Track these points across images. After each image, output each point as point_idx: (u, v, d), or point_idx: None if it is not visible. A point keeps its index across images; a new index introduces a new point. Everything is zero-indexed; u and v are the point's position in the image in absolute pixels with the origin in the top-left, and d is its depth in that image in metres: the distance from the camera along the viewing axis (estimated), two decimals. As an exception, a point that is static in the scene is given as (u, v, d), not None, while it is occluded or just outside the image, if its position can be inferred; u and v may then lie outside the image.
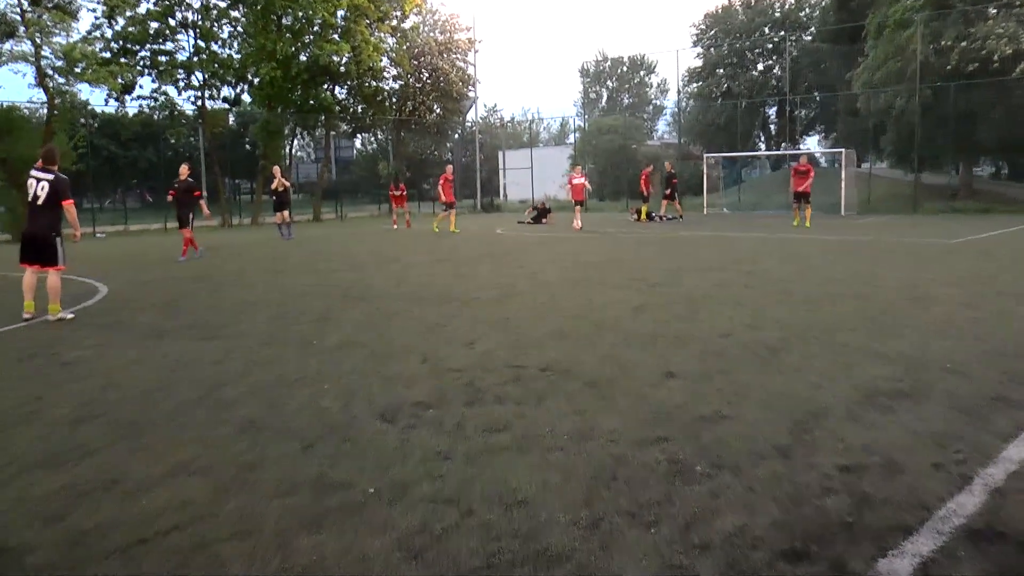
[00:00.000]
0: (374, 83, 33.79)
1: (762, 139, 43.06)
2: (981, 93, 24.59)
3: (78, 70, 23.78)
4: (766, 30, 40.73)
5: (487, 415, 4.17)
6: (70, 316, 7.87)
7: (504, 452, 3.61)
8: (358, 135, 46.62)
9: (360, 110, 35.30)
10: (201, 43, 29.03)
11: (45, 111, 24.83)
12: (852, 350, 5.52)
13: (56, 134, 22.88)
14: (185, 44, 29.06)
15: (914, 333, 6.10)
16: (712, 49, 41.54)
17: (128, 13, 26.87)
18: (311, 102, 31.30)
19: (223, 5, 29.33)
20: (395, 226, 24.62)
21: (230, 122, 38.64)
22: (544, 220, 24.52)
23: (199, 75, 29.34)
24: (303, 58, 29.88)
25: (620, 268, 11.52)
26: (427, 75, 37.21)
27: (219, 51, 29.84)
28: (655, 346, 5.86)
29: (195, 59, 28.85)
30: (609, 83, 62.95)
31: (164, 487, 3.28)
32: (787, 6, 40.97)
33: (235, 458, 3.62)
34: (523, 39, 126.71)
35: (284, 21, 29.45)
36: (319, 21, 29.24)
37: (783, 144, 38.35)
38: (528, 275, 10.71)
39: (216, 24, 29.61)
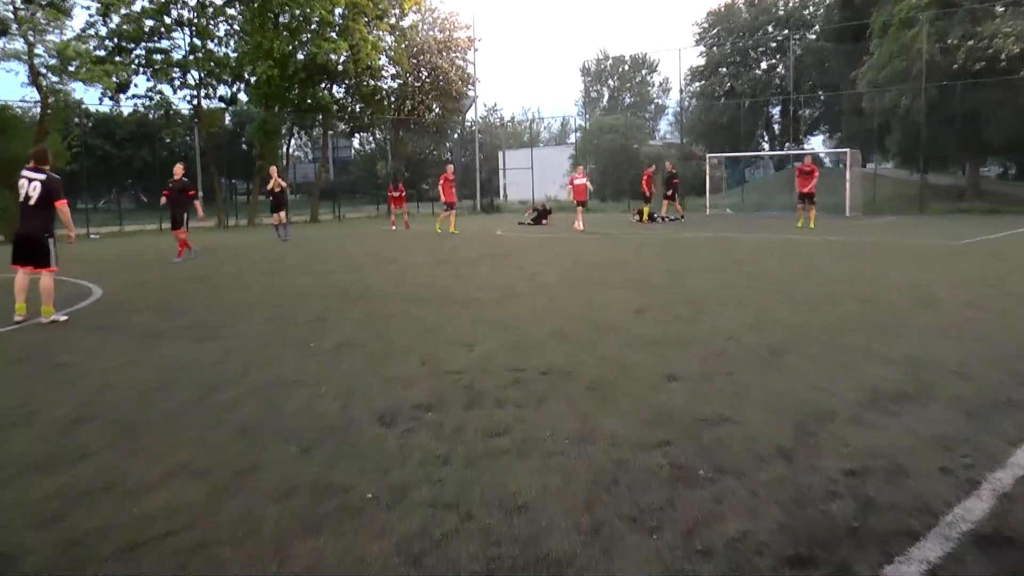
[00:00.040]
0: (372, 82, 33.80)
1: (766, 139, 43.11)
2: (988, 92, 24.59)
3: (72, 68, 23.78)
4: (770, 28, 40.76)
5: (487, 418, 4.18)
6: (63, 318, 7.86)
7: (504, 456, 3.61)
8: (356, 135, 46.61)
9: (358, 109, 35.30)
10: (197, 41, 29.02)
11: (38, 110, 24.84)
12: (856, 352, 5.52)
13: (49, 133, 22.88)
14: (181, 42, 29.08)
15: (919, 335, 6.10)
16: (715, 47, 41.58)
17: (123, 11, 26.85)
18: (308, 101, 31.30)
19: (219, 3, 29.32)
20: (394, 227, 24.64)
21: (226, 121, 38.64)
22: (545, 221, 24.53)
23: (195, 74, 29.34)
24: (300, 56, 29.89)
25: (621, 269, 11.53)
26: (426, 74, 37.23)
27: (215, 49, 29.84)
28: (656, 348, 5.87)
29: (191, 57, 28.85)
30: (610, 82, 63.02)
31: (161, 489, 3.29)
32: (791, 4, 41.01)
33: (233, 461, 3.63)
34: (523, 37, 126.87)
35: (281, 19, 29.45)
36: (317, 19, 29.24)
37: (787, 144, 38.35)
38: (528, 276, 10.72)
39: (212, 22, 29.61)
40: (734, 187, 34.59)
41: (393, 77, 36.06)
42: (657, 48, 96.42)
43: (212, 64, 29.37)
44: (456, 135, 46.84)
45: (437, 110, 38.98)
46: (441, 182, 20.90)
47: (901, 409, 4.15)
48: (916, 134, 26.53)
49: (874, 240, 15.51)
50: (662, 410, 4.24)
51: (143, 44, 28.03)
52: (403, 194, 25.48)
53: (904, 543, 2.66)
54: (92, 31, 26.50)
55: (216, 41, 29.91)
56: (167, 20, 28.29)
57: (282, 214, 19.84)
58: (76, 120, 28.34)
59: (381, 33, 32.75)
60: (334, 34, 30.09)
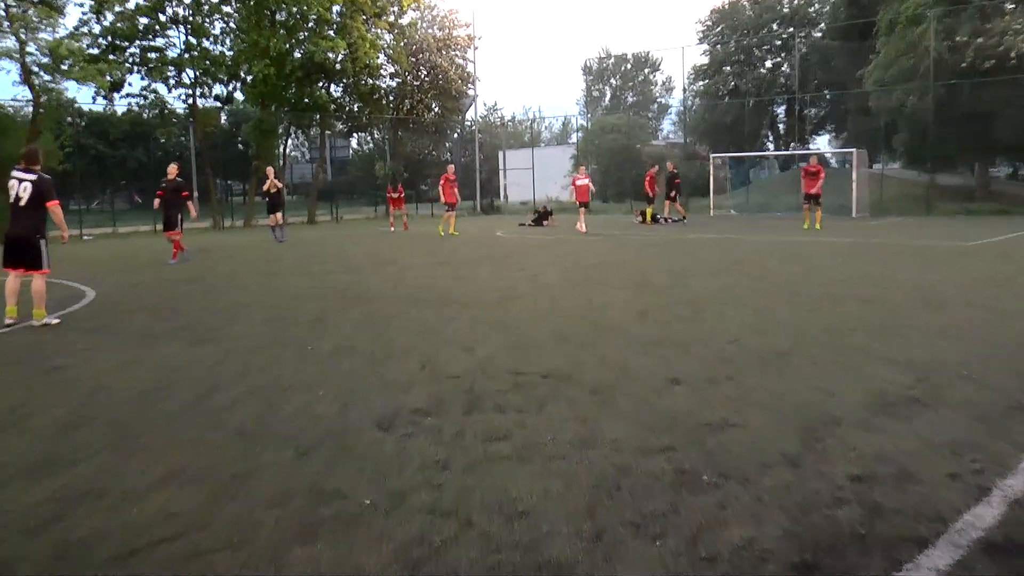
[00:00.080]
0: (371, 81, 33.84)
1: (770, 139, 43.08)
2: (997, 91, 24.55)
3: (65, 67, 23.82)
4: (774, 26, 40.76)
5: (487, 423, 4.17)
6: (55, 321, 7.86)
7: (504, 461, 3.61)
8: (354, 134, 46.71)
9: (356, 109, 35.35)
10: (192, 39, 29.06)
11: (30, 109, 24.87)
12: (863, 355, 5.52)
13: (42, 133, 22.93)
14: (176, 40, 29.13)
15: (927, 338, 6.10)
16: (719, 46, 41.58)
17: (117, 8, 26.91)
18: (306, 100, 31.34)
19: (215, 0, 29.38)
20: (392, 228, 24.67)
21: (222, 121, 38.72)
22: (546, 222, 24.56)
23: (190, 72, 29.38)
24: (297, 55, 29.92)
25: (623, 271, 11.53)
26: (425, 72, 37.28)
27: (211, 48, 29.88)
28: (659, 351, 5.86)
29: (186, 56, 28.88)
30: (612, 81, 63.06)
31: (157, 494, 3.29)
32: (796, 2, 41.01)
33: (229, 465, 3.63)
34: (524, 35, 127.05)
35: (278, 17, 29.50)
36: (314, 17, 29.30)
37: (792, 144, 38.35)
38: (529, 278, 10.72)
39: (208, 20, 29.66)
40: (738, 188, 34.60)
41: (392, 76, 36.11)
42: (660, 46, 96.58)
43: (208, 63, 29.41)
44: (456, 135, 46.92)
45: (436, 109, 39.03)
46: (442, 182, 20.93)
47: (908, 413, 4.14)
48: (924, 134, 26.53)
49: (881, 241, 15.51)
50: (665, 414, 4.24)
51: (137, 42, 28.06)
52: (402, 195, 25.50)
53: (912, 550, 2.65)
54: (85, 29, 26.56)
55: (212, 39, 29.97)
56: (162, 18, 28.34)
57: (278, 215, 19.87)
58: (69, 119, 28.44)
59: (379, 31, 32.82)
60: (332, 32, 30.15)
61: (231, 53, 30.22)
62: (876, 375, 4.95)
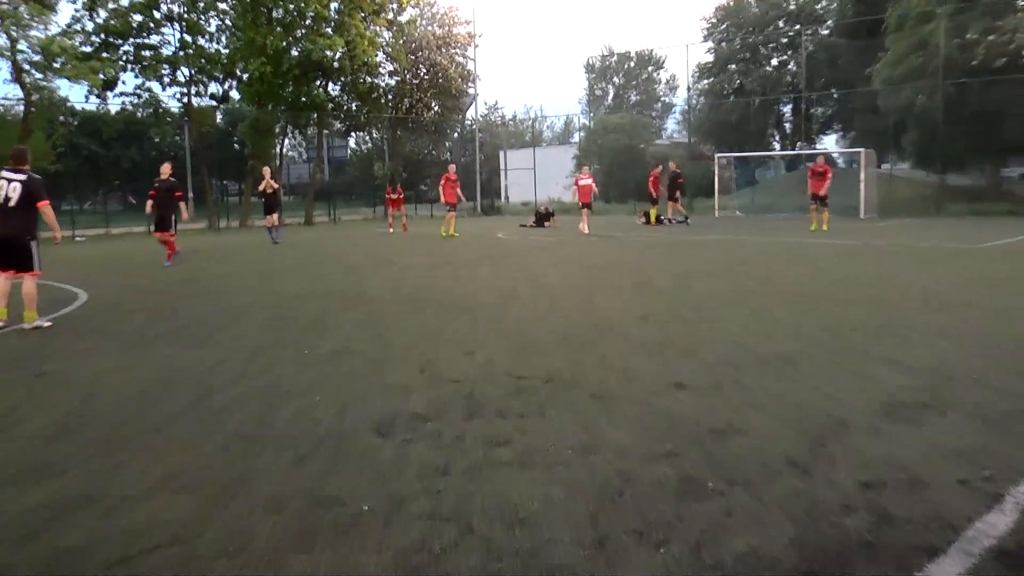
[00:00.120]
0: (369, 79, 33.88)
1: (776, 138, 43.08)
2: (1009, 89, 24.53)
3: (57, 65, 23.86)
4: (780, 23, 40.79)
5: (488, 428, 4.17)
6: (47, 324, 7.86)
7: (505, 467, 3.61)
8: (352, 134, 46.76)
9: (354, 108, 35.40)
10: (187, 37, 29.12)
11: (21, 108, 24.93)
12: (870, 359, 5.52)
13: (33, 132, 22.99)
14: (170, 38, 29.19)
15: (935, 341, 6.10)
16: (724, 44, 41.61)
17: (110, 5, 26.98)
18: (303, 99, 31.38)
19: (211, -3, 29.47)
20: (391, 230, 24.69)
21: (218, 120, 38.73)
22: (547, 224, 24.59)
23: (185, 71, 29.44)
24: (295, 53, 29.98)
25: (626, 273, 11.53)
26: (425, 71, 37.32)
27: (206, 45, 29.94)
28: (663, 354, 5.86)
29: (181, 54, 28.94)
30: (615, 79, 63.02)
31: (148, 503, 3.28)
32: (802, -2, 41.08)
33: (224, 471, 3.62)
34: (525, 33, 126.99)
35: (275, 14, 29.55)
36: (311, 14, 29.35)
37: (799, 143, 38.36)
38: (530, 280, 10.73)
39: (203, 17, 29.71)
40: (744, 188, 34.62)
41: (391, 74, 36.16)
42: (664, 44, 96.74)
43: (203, 60, 29.47)
44: (456, 134, 46.93)
45: (436, 108, 39.07)
46: (442, 182, 20.96)
47: (918, 418, 4.14)
48: (933, 133, 26.52)
49: (889, 243, 15.51)
50: (668, 419, 4.24)
51: (131, 40, 28.12)
52: (401, 196, 25.52)
53: (923, 559, 2.65)
54: (78, 26, 26.63)
55: (207, 37, 30.01)
56: (156, 15, 28.39)
57: (274, 216, 19.90)
58: (61, 119, 28.46)
59: (378, 29, 32.86)
60: (329, 30, 30.19)
61: (227, 51, 30.26)
62: (884, 379, 4.94)
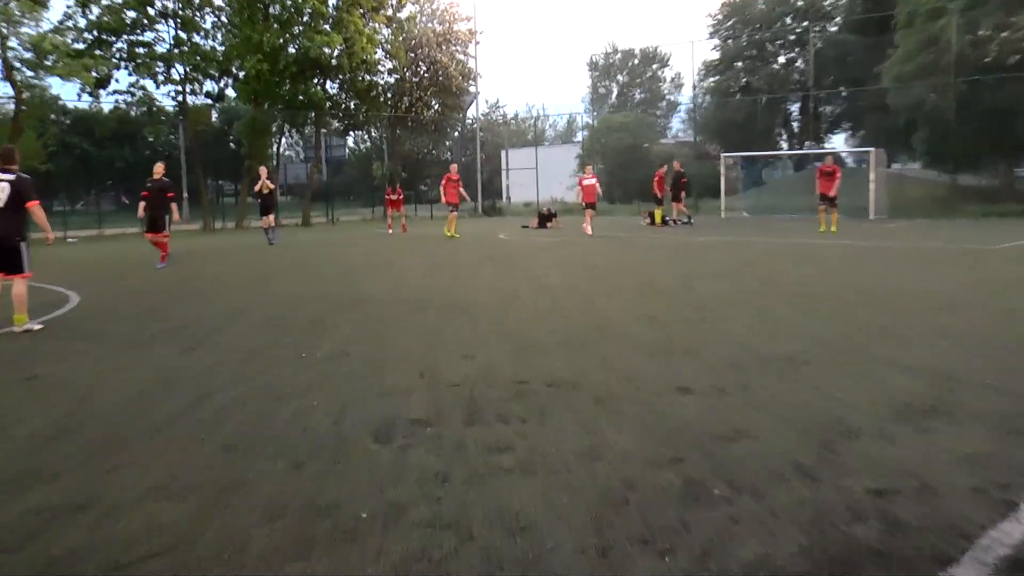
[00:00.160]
0: (368, 77, 33.93)
1: (784, 137, 43.04)
2: (1023, 87, 24.53)
3: (48, 63, 23.92)
4: (788, 20, 40.77)
5: (488, 433, 4.17)
6: (38, 327, 7.87)
7: (507, 473, 3.61)
8: (351, 133, 46.85)
9: (353, 106, 35.46)
10: (182, 34, 29.17)
11: (12, 107, 24.99)
12: (880, 362, 5.51)
13: (24, 132, 23.02)
14: (165, 35, 29.25)
15: (948, 346, 6.09)
16: (730, 41, 41.59)
17: (103, 1, 27.02)
18: (300, 97, 31.43)
19: (206, -7, 29.52)
20: (390, 231, 24.70)
21: (213, 119, 38.81)
22: (549, 224, 24.60)
23: (180, 68, 29.47)
24: (292, 50, 30.03)
25: (630, 275, 11.54)
26: (425, 68, 37.38)
27: (201, 42, 29.99)
28: (667, 358, 5.87)
29: (175, 51, 28.98)
30: (619, 77, 63.03)
31: (144, 508, 3.28)
32: (810, -6, 41.07)
33: (219, 477, 3.62)
34: (527, 30, 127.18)
35: (271, 10, 29.61)
36: (309, 10, 29.39)
37: (807, 143, 38.35)
38: (532, 282, 10.73)
39: (198, 13, 29.77)
40: (750, 188, 34.60)
41: (390, 72, 36.23)
42: (669, 41, 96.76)
43: (198, 58, 29.50)
44: (456, 133, 46.97)
45: (436, 107, 39.12)
46: (443, 182, 20.99)
47: (929, 424, 4.14)
48: (945, 132, 26.49)
49: (899, 245, 15.50)
50: (673, 424, 4.24)
51: (124, 37, 28.16)
52: (401, 196, 25.54)
53: (935, 568, 2.64)
54: (70, 23, 26.67)
55: (202, 34, 30.08)
56: (150, 11, 28.44)
57: (270, 217, 19.94)
58: (53, 117, 28.51)
59: (377, 25, 32.90)
60: (327, 26, 30.24)
61: (222, 48, 30.32)
62: (894, 383, 4.94)
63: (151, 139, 36.63)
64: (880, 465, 3.56)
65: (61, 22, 26.30)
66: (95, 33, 27.25)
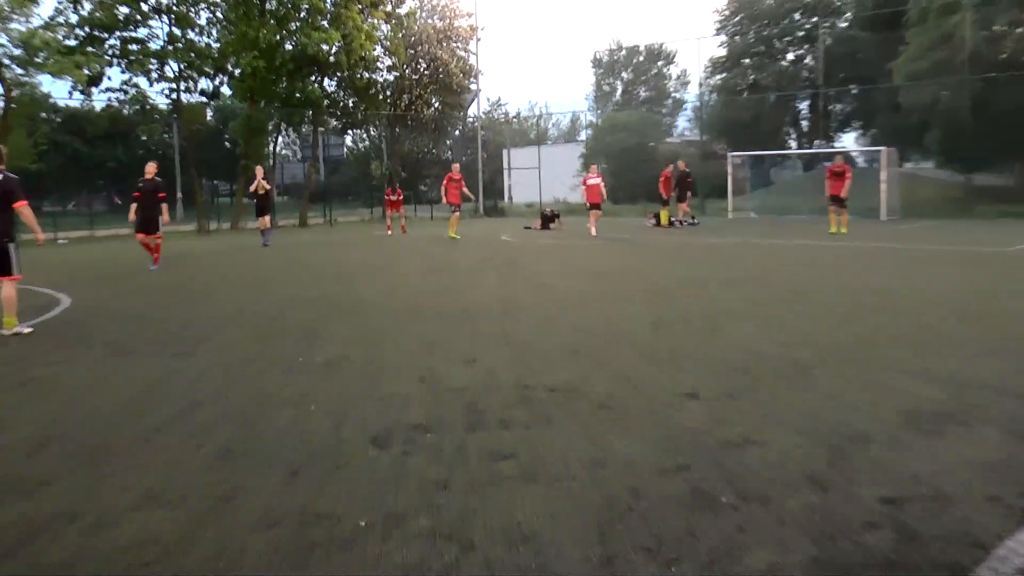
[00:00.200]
0: (366, 74, 33.98)
1: (793, 136, 43.02)
2: (1040, 84, 24.53)
3: (39, 59, 23.96)
4: (797, 16, 40.75)
5: (490, 440, 4.17)
6: (27, 330, 7.88)
7: (509, 481, 3.60)
8: (349, 132, 46.92)
9: (351, 104, 35.51)
10: (176, 30, 29.23)
11: (1, 105, 24.99)
12: (892, 368, 5.50)
13: (13, 130, 23.05)
14: (158, 31, 29.32)
15: (963, 350, 6.08)
16: (737, 37, 41.59)
17: (96, -4, 27.09)
18: (297, 95, 31.46)
19: (201, -12, 29.58)
20: (389, 232, 24.72)
21: (208, 117, 38.86)
22: (552, 225, 24.62)
23: (174, 65, 29.53)
24: (289, 47, 30.05)
25: (635, 278, 11.53)
26: (425, 66, 37.42)
27: (196, 39, 30.06)
28: (674, 363, 5.86)
29: (169, 48, 29.04)
30: (624, 75, 63.00)
31: (134, 518, 3.28)
32: (819, -11, 41.07)
33: (211, 487, 3.62)
34: (529, 26, 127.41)
35: (268, 6, 29.65)
36: (306, 6, 29.44)
37: (816, 142, 38.33)
38: (535, 285, 10.73)
39: (193, 9, 29.84)
40: (758, 189, 34.57)
41: (389, 69, 36.28)
42: (675, 38, 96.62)
43: (193, 55, 29.56)
44: (457, 132, 47.02)
45: (436, 105, 39.18)
46: (445, 182, 21.02)
47: (943, 431, 4.13)
48: (959, 130, 26.44)
49: (912, 246, 15.49)
50: (680, 431, 4.23)
51: (117, 33, 28.21)
52: (401, 197, 25.57)
53: (948, 578, 2.64)
54: (61, 19, 26.74)
55: (197, 30, 30.16)
56: (143, 7, 28.51)
57: (266, 219, 19.96)
58: (43, 115, 28.54)
59: (376, 21, 32.94)
60: (325, 22, 30.28)
61: (218, 45, 30.37)
62: (907, 389, 4.93)
63: (144, 138, 36.70)
64: (892, 472, 3.56)
65: (52, 18, 26.37)
66: (87, 29, 27.31)
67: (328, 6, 30.36)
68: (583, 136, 49.60)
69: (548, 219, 25.10)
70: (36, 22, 25.08)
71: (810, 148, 37.90)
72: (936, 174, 32.53)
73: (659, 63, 62.31)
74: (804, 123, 42.86)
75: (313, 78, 32.18)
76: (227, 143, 40.91)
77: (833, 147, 35.79)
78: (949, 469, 3.59)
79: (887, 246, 15.70)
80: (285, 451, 4.08)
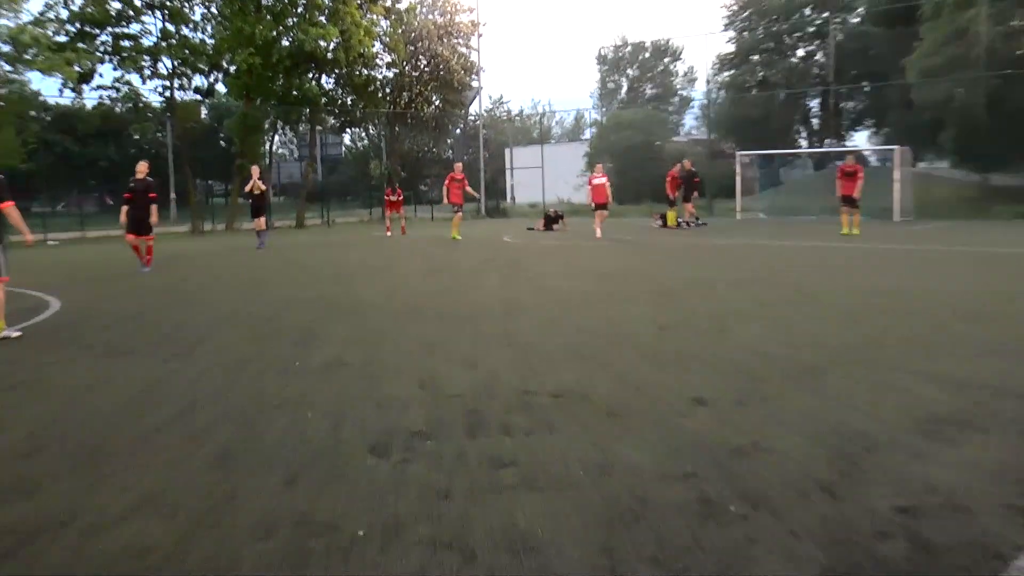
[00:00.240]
0: (365, 71, 34.03)
1: (803, 135, 43.02)
2: (1059, 81, 24.48)
3: (28, 56, 23.99)
4: (807, 11, 40.74)
5: (492, 446, 4.17)
6: (16, 334, 7.88)
7: (511, 489, 3.60)
8: (347, 130, 46.89)
9: (350, 102, 35.55)
10: (170, 26, 29.25)
11: (-9, 102, 25.06)
12: (905, 372, 5.50)
13: (2, 129, 23.07)
14: (152, 27, 29.35)
15: (976, 354, 6.07)
16: (746, 33, 41.60)
17: (87, -9, 27.13)
18: (294, 93, 31.48)
19: (195, -16, 29.64)
20: (389, 233, 24.75)
21: (202, 115, 38.91)
22: (556, 226, 24.64)
23: (167, 62, 29.58)
24: (285, 43, 30.10)
25: (641, 279, 11.54)
26: (425, 62, 37.46)
27: (190, 35, 30.13)
28: (680, 368, 5.86)
29: (163, 44, 29.07)
30: (629, 71, 63.05)
31: (127, 525, 3.28)
32: (831, -16, 41.07)
33: (206, 494, 3.62)
34: (533, 21, 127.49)
35: (264, 2, 29.68)
36: (304, 2, 29.49)
37: (827, 140, 38.33)
38: (538, 287, 10.74)
39: (187, 4, 29.87)
40: (767, 189, 34.59)
41: (388, 66, 36.36)
42: (681, 34, 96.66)
43: (187, 51, 29.60)
44: (458, 131, 47.06)
45: (437, 103, 39.22)
46: (447, 182, 21.06)
47: (958, 436, 4.12)
48: (974, 129, 26.41)
49: (925, 248, 15.48)
50: (687, 437, 4.23)
51: (109, 29, 28.25)
52: (400, 197, 25.61)
53: (964, 589, 2.63)
54: (51, 14, 26.79)
55: (191, 26, 30.21)
56: (136, 2, 28.53)
57: (261, 220, 19.98)
58: (33, 114, 28.57)
59: (375, 17, 32.99)
60: (323, 18, 30.32)
61: (212, 41, 30.39)
62: (921, 394, 4.93)
63: (137, 137, 36.75)
64: (906, 480, 3.55)
65: (42, 13, 26.42)
66: (78, 25, 27.33)
67: (326, 1, 30.40)
68: (587, 135, 49.72)
69: (551, 220, 25.12)
70: (25, 17, 25.18)
71: (821, 147, 37.90)
72: (951, 174, 32.51)
73: (666, 59, 62.35)
74: (815, 121, 42.85)
75: (310, 75, 32.22)
76: (222, 142, 40.98)
77: (844, 146, 35.80)
78: (965, 476, 3.58)
79: (899, 247, 15.69)
80: (282, 457, 4.08)
